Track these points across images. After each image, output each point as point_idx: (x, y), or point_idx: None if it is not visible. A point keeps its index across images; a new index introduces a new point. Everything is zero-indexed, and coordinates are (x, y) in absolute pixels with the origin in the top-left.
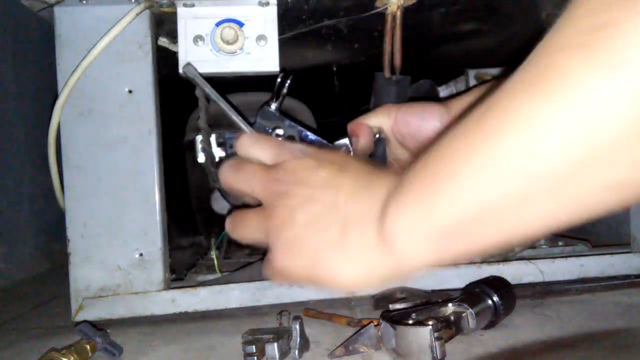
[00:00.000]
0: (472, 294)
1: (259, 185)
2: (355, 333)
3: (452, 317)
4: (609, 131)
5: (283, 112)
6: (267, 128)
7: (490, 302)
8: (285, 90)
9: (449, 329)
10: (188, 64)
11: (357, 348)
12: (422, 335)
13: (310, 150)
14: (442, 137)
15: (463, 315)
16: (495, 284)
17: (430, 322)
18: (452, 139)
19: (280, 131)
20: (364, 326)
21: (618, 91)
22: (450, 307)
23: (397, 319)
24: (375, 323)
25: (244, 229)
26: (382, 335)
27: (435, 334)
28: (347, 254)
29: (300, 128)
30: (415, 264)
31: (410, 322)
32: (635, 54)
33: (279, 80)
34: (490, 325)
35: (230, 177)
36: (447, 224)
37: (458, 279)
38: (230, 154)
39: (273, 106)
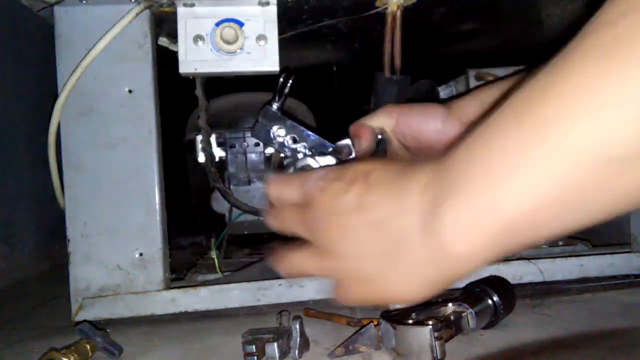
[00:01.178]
0: (472, 293)
1: (302, 228)
2: (355, 333)
3: (452, 317)
4: None
5: (285, 112)
6: (268, 127)
7: (490, 301)
8: (287, 90)
9: (449, 328)
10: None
11: (357, 348)
12: (422, 335)
13: (331, 172)
14: (484, 125)
15: (463, 315)
16: (495, 283)
17: (430, 322)
18: (501, 125)
19: (281, 131)
20: (364, 326)
21: None
22: (450, 307)
23: (397, 319)
24: (375, 323)
25: (302, 270)
26: (382, 335)
27: (435, 334)
28: (408, 270)
29: (301, 128)
30: (478, 262)
31: (410, 322)
32: None
33: (281, 80)
34: (490, 325)
35: (275, 224)
36: (510, 219)
37: None
38: (230, 154)
39: (275, 106)
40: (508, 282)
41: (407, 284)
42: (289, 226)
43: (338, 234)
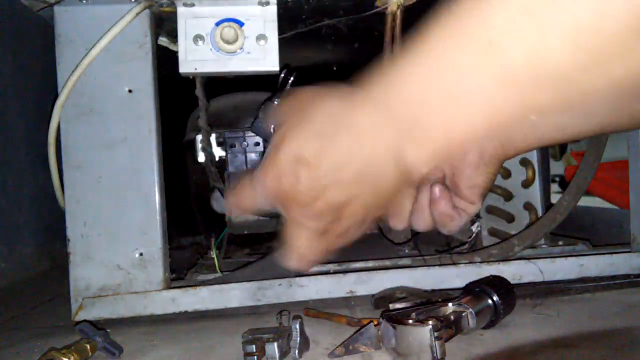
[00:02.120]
0: (472, 293)
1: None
2: (355, 332)
3: (452, 317)
4: (609, 30)
5: None
6: (268, 123)
7: (490, 301)
8: (288, 86)
9: (449, 328)
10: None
11: (357, 348)
12: (422, 335)
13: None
14: (426, 47)
15: (463, 314)
16: (495, 283)
17: (430, 322)
18: (444, 45)
19: None
20: (364, 326)
21: None
22: (450, 307)
23: (397, 319)
24: (375, 322)
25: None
26: (382, 334)
27: (435, 334)
28: (384, 197)
29: None
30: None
31: (410, 321)
32: None
33: (282, 76)
34: (491, 324)
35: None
36: (464, 136)
37: (458, 279)
38: (230, 154)
39: (276, 102)
40: (508, 282)
41: (383, 204)
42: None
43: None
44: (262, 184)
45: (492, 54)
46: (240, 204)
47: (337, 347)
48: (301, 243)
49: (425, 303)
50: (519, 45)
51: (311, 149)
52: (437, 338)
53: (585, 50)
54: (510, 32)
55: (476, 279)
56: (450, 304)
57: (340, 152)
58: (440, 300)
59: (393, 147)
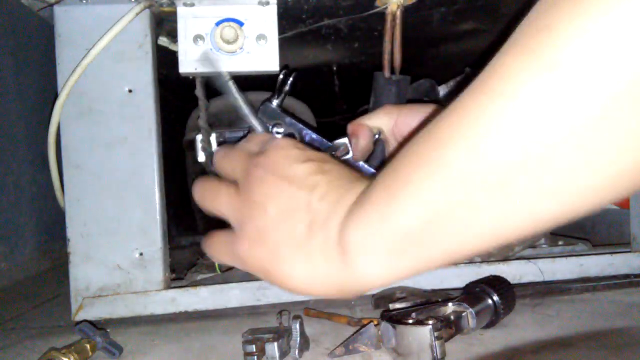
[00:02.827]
0: (472, 293)
1: (240, 168)
2: (355, 332)
3: (452, 317)
4: (545, 135)
5: (284, 109)
6: (267, 124)
7: (490, 301)
8: (287, 87)
9: (449, 328)
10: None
11: (357, 347)
12: (422, 335)
13: (295, 142)
14: (407, 146)
15: (463, 314)
16: (495, 283)
17: (430, 322)
18: (410, 146)
19: (280, 128)
20: (364, 325)
21: (554, 93)
22: (450, 307)
23: (397, 319)
24: (375, 322)
25: (213, 200)
26: (382, 334)
27: (435, 334)
28: (307, 257)
29: (300, 126)
30: (369, 278)
31: (410, 321)
32: (568, 55)
33: (281, 76)
34: (491, 324)
35: (218, 158)
36: (399, 232)
37: (458, 279)
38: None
39: (274, 102)
40: (508, 282)
41: (309, 272)
42: (231, 162)
43: (272, 193)
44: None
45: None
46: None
47: (337, 346)
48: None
49: (425, 303)
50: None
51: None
52: (437, 338)
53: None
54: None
55: (476, 279)
56: (450, 304)
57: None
58: (440, 300)
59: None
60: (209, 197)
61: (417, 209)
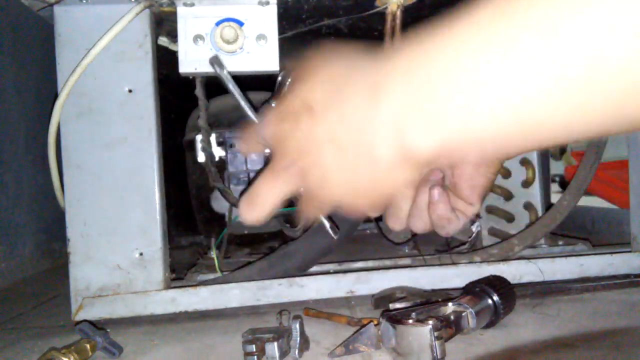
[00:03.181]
0: (472, 293)
1: (279, 192)
2: (355, 332)
3: (452, 317)
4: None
5: None
6: None
7: (490, 301)
8: (286, 89)
9: (449, 328)
10: (215, 56)
11: (357, 347)
12: (422, 335)
13: (273, 113)
14: (461, 25)
15: (463, 314)
16: (495, 283)
17: (430, 322)
18: (466, 34)
19: None
20: (364, 325)
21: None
22: (450, 307)
23: (397, 318)
24: (376, 322)
25: (269, 190)
26: (382, 334)
27: (435, 334)
28: (379, 177)
29: None
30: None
31: (410, 321)
32: None
33: (279, 78)
34: (491, 324)
35: (255, 211)
36: (485, 129)
37: (458, 279)
38: (230, 154)
39: (274, 105)
40: (508, 282)
41: (382, 182)
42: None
43: (305, 161)
44: (265, 123)
45: (550, 42)
46: (246, 142)
47: (337, 346)
48: (264, 192)
49: (425, 303)
50: (577, 42)
51: (319, 98)
52: (437, 338)
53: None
54: (571, 26)
55: (476, 279)
56: (450, 304)
57: (344, 110)
58: (440, 300)
59: (399, 121)
60: (266, 188)
61: (505, 108)
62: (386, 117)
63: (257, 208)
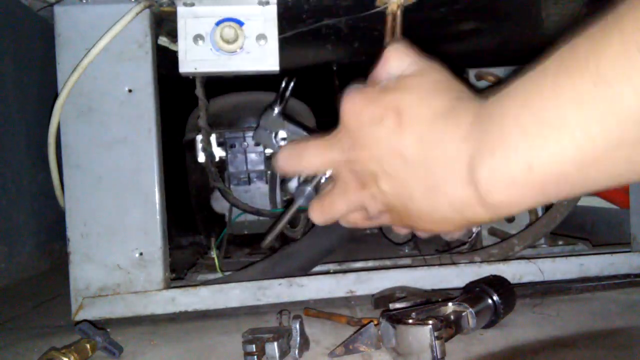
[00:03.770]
0: (472, 293)
1: (323, 159)
2: (356, 332)
3: (452, 317)
4: None
5: (286, 116)
6: (270, 132)
7: (490, 301)
8: (288, 94)
9: (449, 328)
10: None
11: (357, 347)
12: (422, 335)
13: (361, 99)
14: (542, 68)
15: (463, 314)
16: (495, 283)
17: (430, 322)
18: (544, 80)
19: (283, 134)
20: (364, 325)
21: None
22: (450, 307)
23: (397, 318)
24: (376, 322)
25: (340, 205)
26: (382, 334)
27: (435, 333)
28: (439, 210)
29: (303, 132)
30: (513, 209)
31: (410, 321)
32: None
33: (282, 84)
34: (491, 324)
35: (292, 162)
36: (554, 173)
37: (458, 279)
38: (230, 154)
39: (276, 110)
40: (508, 282)
41: (444, 221)
42: (313, 159)
43: (376, 170)
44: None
45: (601, 89)
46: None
47: (337, 346)
48: (336, 206)
49: (425, 303)
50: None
51: (413, 107)
52: (437, 338)
53: None
54: (623, 69)
55: (476, 279)
56: (450, 304)
57: (432, 132)
58: (440, 300)
59: (469, 157)
60: (335, 203)
61: (580, 149)
62: (463, 153)
63: (327, 216)
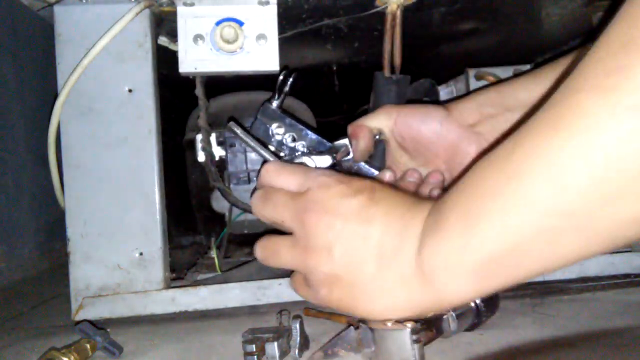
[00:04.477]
0: None
1: (288, 215)
2: (335, 336)
3: (432, 319)
4: (630, 169)
5: (284, 110)
6: (267, 125)
7: (472, 304)
8: (287, 88)
9: (429, 331)
10: (231, 121)
11: (337, 352)
12: (400, 338)
13: (335, 176)
14: (473, 171)
15: (444, 317)
16: None
17: (408, 324)
18: (482, 175)
19: (280, 129)
20: (344, 329)
21: (635, 132)
22: None
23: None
24: (356, 326)
25: (277, 259)
26: (361, 338)
27: (414, 337)
28: (383, 290)
29: (300, 127)
30: (455, 297)
31: (389, 324)
32: None
33: (280, 77)
34: (473, 327)
35: (259, 207)
36: (482, 259)
37: None
38: (230, 153)
39: (274, 104)
40: None
41: (391, 301)
42: (275, 211)
43: (331, 236)
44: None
45: (519, 190)
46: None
47: (316, 351)
48: (273, 260)
49: None
50: (543, 184)
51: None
52: (416, 341)
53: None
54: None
55: None
56: None
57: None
58: None
59: (419, 242)
60: (272, 258)
61: (500, 237)
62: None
63: (266, 260)
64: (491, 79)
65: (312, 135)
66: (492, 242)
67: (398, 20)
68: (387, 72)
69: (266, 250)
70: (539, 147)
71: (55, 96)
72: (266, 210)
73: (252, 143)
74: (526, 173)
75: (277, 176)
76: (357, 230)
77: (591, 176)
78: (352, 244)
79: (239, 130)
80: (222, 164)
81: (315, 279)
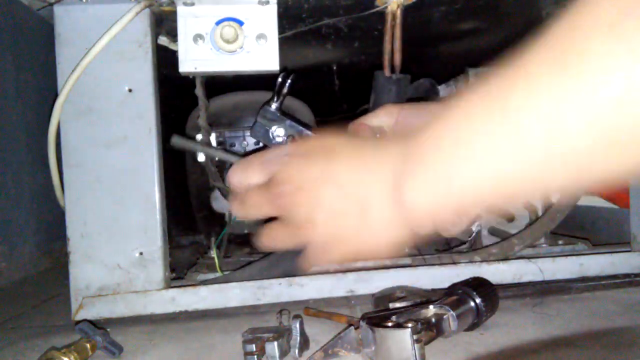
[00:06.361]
0: (454, 295)
1: (268, 207)
2: (335, 337)
3: (433, 319)
4: (632, 115)
5: (284, 112)
6: (267, 127)
7: (472, 303)
8: (286, 90)
9: (430, 331)
10: (174, 137)
11: (337, 352)
12: (401, 338)
13: (293, 147)
14: (456, 108)
15: (444, 317)
16: (477, 285)
17: (409, 325)
18: (471, 110)
19: (280, 131)
20: (344, 329)
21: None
22: (431, 309)
23: (376, 322)
24: (356, 326)
25: (277, 242)
26: (362, 338)
27: (415, 337)
28: (375, 230)
29: (300, 127)
30: (434, 219)
31: (390, 324)
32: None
33: (279, 79)
34: (473, 327)
35: (241, 211)
36: (466, 190)
37: (458, 278)
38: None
39: (274, 106)
40: (490, 284)
41: (378, 239)
42: (257, 209)
43: (308, 205)
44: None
45: (510, 124)
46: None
47: (316, 351)
48: (251, 210)
49: (426, 302)
50: (537, 122)
51: (341, 149)
52: (417, 341)
53: (603, 134)
54: (530, 108)
55: (459, 281)
56: (431, 307)
57: (358, 163)
58: (421, 302)
59: (394, 179)
60: (274, 242)
61: (487, 169)
62: (383, 176)
63: (244, 215)
64: None
65: (311, 136)
66: (479, 172)
67: (398, 20)
68: (387, 71)
69: (267, 238)
70: (539, 85)
71: (55, 96)
72: (248, 212)
73: (206, 150)
74: (522, 110)
75: (242, 177)
76: (327, 189)
77: (590, 120)
78: (330, 205)
79: (185, 143)
80: (222, 163)
81: (316, 246)
